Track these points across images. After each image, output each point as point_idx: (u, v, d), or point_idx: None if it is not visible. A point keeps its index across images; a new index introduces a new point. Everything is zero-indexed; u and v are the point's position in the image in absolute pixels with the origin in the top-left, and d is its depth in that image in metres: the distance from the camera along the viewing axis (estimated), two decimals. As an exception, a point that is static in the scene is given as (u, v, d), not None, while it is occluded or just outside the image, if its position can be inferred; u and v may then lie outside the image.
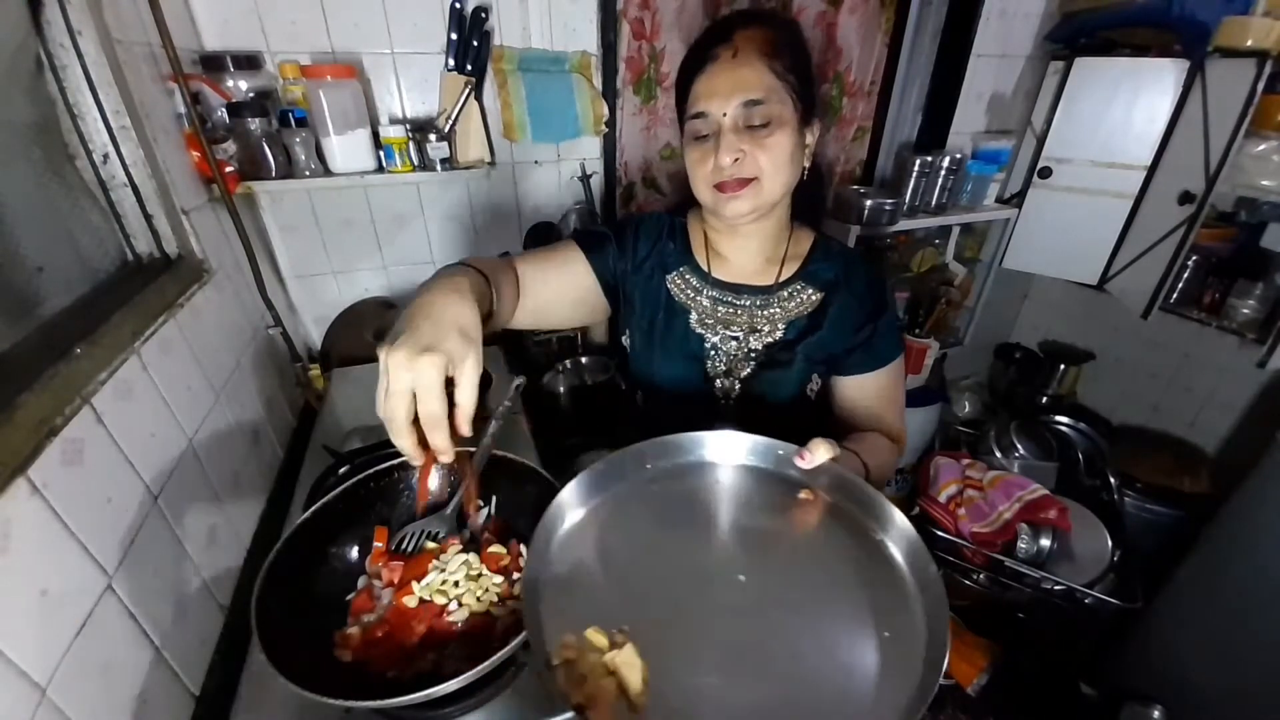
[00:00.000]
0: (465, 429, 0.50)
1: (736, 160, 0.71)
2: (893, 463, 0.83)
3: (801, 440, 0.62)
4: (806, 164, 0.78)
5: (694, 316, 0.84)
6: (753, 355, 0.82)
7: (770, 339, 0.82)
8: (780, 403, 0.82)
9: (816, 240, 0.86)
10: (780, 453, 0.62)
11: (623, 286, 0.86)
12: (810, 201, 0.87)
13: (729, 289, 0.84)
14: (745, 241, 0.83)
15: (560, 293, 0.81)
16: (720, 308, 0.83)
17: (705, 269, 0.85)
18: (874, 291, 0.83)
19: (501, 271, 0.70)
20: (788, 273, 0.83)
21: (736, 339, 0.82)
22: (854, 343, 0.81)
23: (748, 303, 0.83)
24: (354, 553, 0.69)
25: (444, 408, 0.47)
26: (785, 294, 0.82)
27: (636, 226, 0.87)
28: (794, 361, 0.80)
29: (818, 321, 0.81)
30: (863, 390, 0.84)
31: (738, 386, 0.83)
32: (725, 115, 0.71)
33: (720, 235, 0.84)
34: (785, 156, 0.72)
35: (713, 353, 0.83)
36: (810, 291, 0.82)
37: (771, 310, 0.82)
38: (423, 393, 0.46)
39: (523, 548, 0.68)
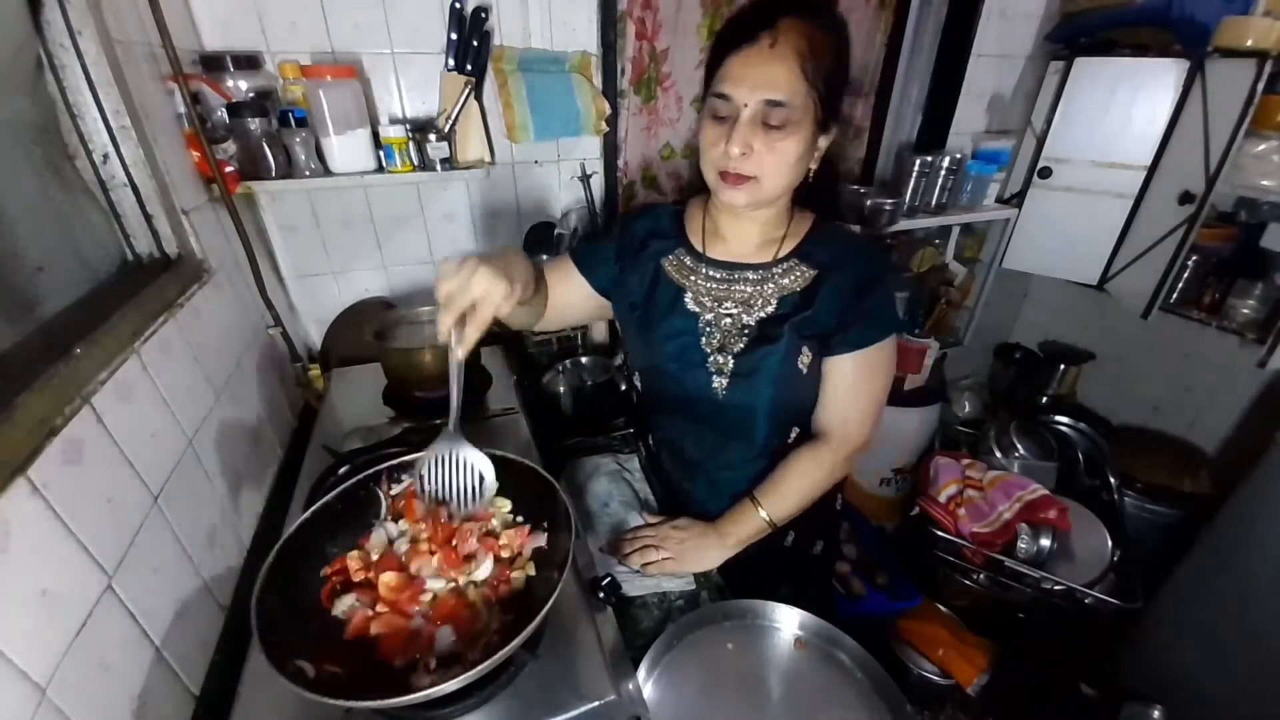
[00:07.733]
0: (473, 341, 0.61)
1: (743, 154, 0.72)
2: (821, 478, 0.87)
3: (797, 415, 0.88)
4: (813, 165, 0.78)
5: (689, 295, 0.86)
6: (746, 331, 0.84)
7: (763, 313, 0.83)
8: (772, 377, 0.83)
9: (816, 221, 0.87)
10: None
11: (617, 287, 0.91)
12: (817, 195, 0.86)
13: (723, 267, 0.86)
14: (745, 224, 0.85)
15: (572, 296, 0.91)
16: (715, 285, 0.85)
17: (700, 249, 0.87)
18: (867, 279, 0.81)
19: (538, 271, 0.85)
20: (784, 251, 0.85)
21: (731, 315, 0.84)
22: (840, 323, 0.81)
23: (742, 279, 0.85)
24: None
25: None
26: (780, 270, 0.84)
27: (631, 223, 0.93)
28: (783, 336, 0.81)
29: (809, 298, 0.82)
30: (832, 372, 0.84)
31: (731, 362, 0.84)
32: (746, 106, 0.70)
33: (721, 215, 0.86)
34: (791, 160, 0.73)
35: (706, 330, 0.85)
36: (804, 269, 0.83)
37: (766, 286, 0.84)
38: (487, 300, 0.60)
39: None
